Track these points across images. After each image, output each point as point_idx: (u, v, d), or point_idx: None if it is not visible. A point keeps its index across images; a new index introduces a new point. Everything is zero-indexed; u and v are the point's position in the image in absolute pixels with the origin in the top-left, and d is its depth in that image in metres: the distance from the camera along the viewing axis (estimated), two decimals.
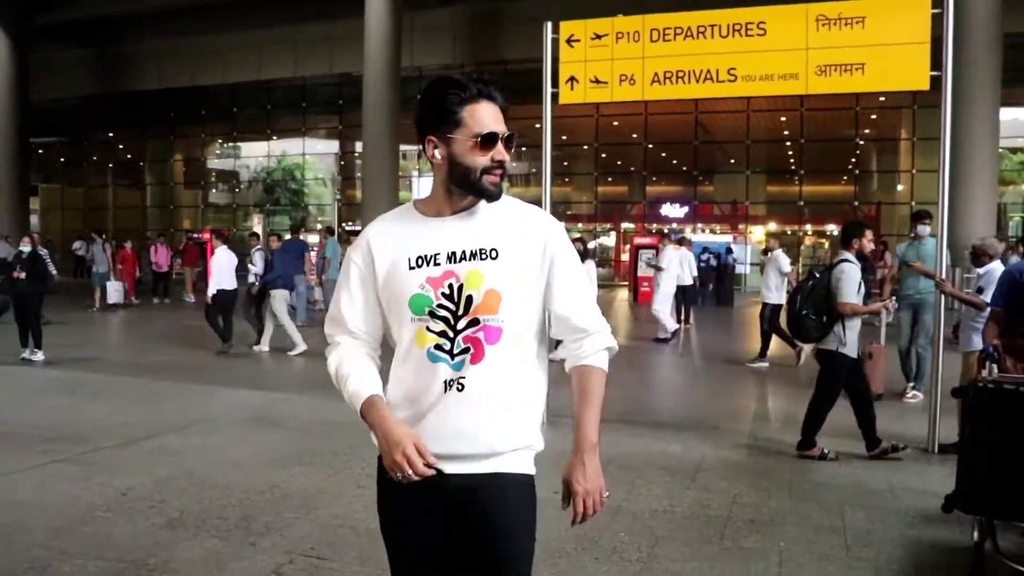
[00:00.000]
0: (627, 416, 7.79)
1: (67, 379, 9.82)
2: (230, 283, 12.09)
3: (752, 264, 29.78)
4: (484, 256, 2.07)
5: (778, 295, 11.92)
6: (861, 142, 30.20)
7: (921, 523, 4.95)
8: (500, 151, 2.07)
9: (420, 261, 2.09)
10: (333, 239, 16.74)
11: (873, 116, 29.48)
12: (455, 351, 2.05)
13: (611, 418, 7.33)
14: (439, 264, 2.07)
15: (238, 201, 38.07)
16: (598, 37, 6.87)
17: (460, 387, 2.04)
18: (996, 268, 6.82)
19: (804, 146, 29.62)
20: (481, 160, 2.06)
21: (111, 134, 40.20)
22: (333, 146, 36.68)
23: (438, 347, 2.05)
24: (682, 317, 16.13)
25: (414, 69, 28.92)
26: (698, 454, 6.52)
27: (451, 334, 2.05)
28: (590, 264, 12.86)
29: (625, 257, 29.48)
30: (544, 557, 4.15)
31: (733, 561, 4.34)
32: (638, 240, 25.39)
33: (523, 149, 31.04)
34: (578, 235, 21.69)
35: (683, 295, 16.25)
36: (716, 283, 23.46)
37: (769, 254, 13.17)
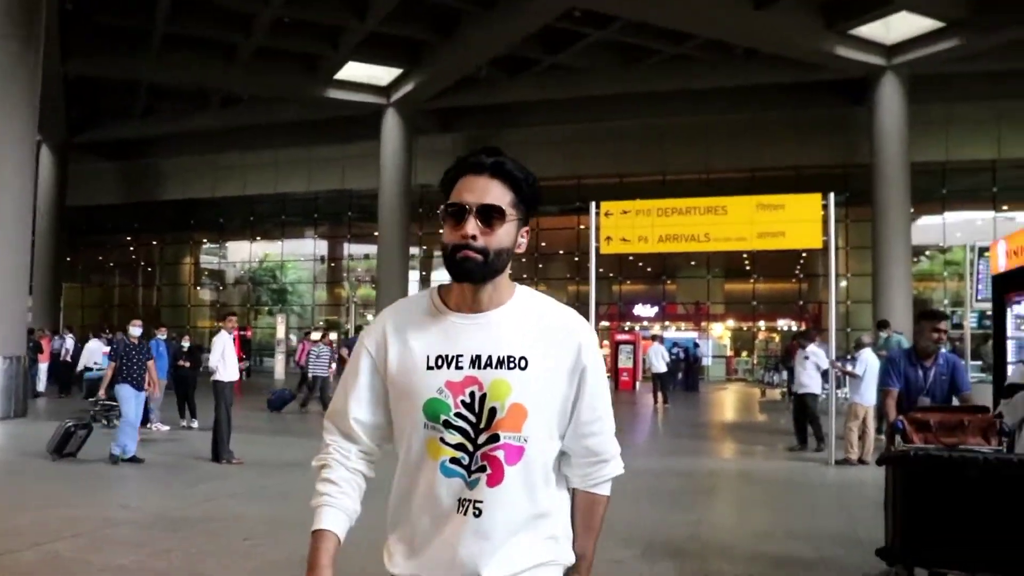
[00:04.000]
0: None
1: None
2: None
3: (714, 357, 34.26)
4: (512, 365, 1.83)
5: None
6: (805, 251, 34.89)
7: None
8: (470, 225, 1.79)
9: (440, 361, 1.85)
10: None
11: None
12: (472, 467, 1.82)
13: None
14: (460, 368, 1.84)
15: (249, 301, 41.87)
16: (625, 212, 11.20)
17: (477, 512, 1.81)
18: (865, 352, 11.08)
19: (757, 254, 34.22)
20: (450, 237, 1.82)
21: (128, 238, 44.17)
22: (344, 250, 40.71)
23: (454, 460, 1.82)
24: (658, 399, 20.26)
25: (417, 187, 33.46)
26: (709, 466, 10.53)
27: (470, 448, 1.82)
28: None
29: (604, 351, 33.71)
30: None
31: None
32: (618, 336, 29.59)
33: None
34: None
35: (660, 380, 20.42)
36: (685, 373, 27.72)
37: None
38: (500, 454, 1.82)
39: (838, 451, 10.97)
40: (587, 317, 11.55)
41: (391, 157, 31.33)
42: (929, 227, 32.18)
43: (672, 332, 33.65)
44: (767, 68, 27.03)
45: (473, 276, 1.82)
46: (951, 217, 31.69)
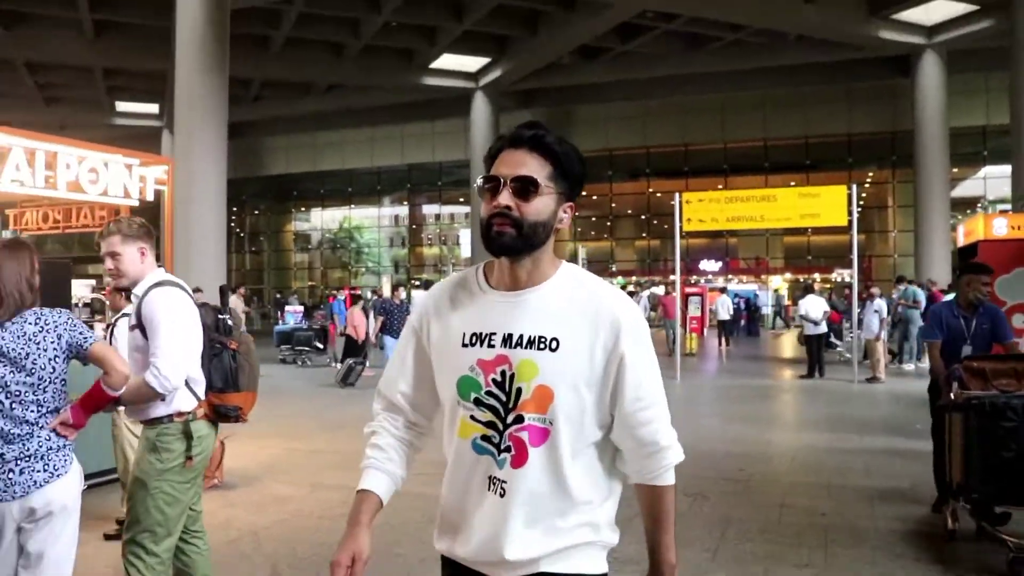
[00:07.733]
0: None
1: None
2: None
3: (772, 307, 37.91)
4: (542, 345, 1.79)
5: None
6: (858, 208, 38.00)
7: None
8: (503, 196, 1.77)
9: (474, 338, 1.85)
10: None
11: (866, 187, 37.53)
12: (501, 446, 1.81)
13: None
14: (493, 346, 1.83)
15: (349, 264, 46.51)
16: (700, 201, 15.12)
17: (502, 492, 1.81)
18: (876, 301, 14.80)
19: None
20: (485, 209, 1.80)
21: (235, 208, 48.96)
22: (435, 211, 45.10)
23: (485, 438, 1.82)
24: (723, 342, 24.17)
25: None
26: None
27: (500, 427, 1.81)
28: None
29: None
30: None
31: None
32: (688, 289, 33.43)
33: (591, 218, 40.17)
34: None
35: (723, 327, 24.37)
36: (747, 321, 31.55)
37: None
38: (524, 435, 1.79)
39: (862, 372, 14.79)
40: (672, 276, 15.58)
41: (479, 133, 35.21)
42: (975, 184, 35.17)
43: (734, 284, 37.33)
44: (817, 49, 30.23)
45: (508, 249, 1.79)
46: (994, 174, 34.54)
